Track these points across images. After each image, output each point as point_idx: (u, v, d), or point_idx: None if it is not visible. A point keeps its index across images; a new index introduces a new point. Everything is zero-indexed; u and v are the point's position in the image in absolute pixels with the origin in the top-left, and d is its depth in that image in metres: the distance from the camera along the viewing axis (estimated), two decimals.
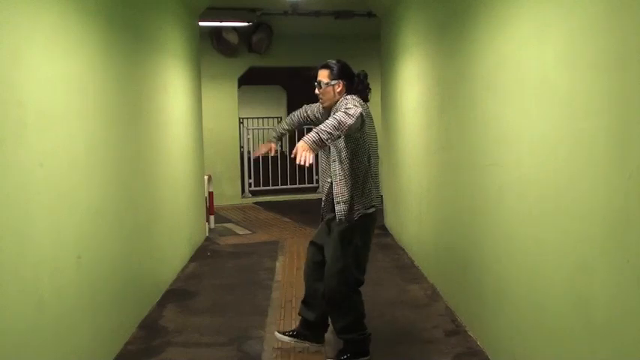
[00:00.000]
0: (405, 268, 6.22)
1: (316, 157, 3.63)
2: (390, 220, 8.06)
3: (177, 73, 6.43)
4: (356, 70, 3.91)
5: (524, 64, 3.16)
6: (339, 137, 3.42)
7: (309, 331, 4.04)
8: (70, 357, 3.21)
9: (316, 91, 3.86)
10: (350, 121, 3.37)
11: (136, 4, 4.92)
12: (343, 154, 3.68)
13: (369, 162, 3.74)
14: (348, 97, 3.73)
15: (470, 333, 4.25)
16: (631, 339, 2.22)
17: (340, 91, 3.78)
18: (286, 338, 4.05)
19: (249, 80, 11.69)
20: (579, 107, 2.56)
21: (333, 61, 3.84)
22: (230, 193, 11.11)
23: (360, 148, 3.70)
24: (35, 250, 2.81)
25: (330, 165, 3.78)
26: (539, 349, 3.06)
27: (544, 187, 2.93)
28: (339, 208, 3.70)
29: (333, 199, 3.75)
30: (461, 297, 4.58)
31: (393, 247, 7.21)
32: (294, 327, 4.21)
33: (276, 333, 4.13)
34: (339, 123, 3.35)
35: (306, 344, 4.05)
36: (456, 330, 4.36)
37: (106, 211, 3.88)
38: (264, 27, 10.57)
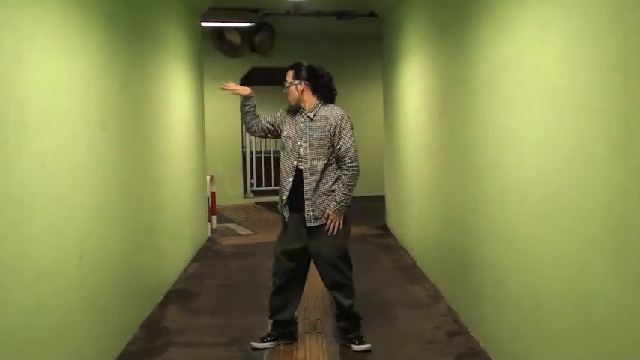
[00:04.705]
0: (407, 268, 6.21)
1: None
2: (392, 221, 8.06)
3: (179, 73, 6.44)
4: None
5: (525, 65, 3.16)
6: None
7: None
8: (72, 357, 3.22)
9: (284, 89, 4.12)
10: (355, 180, 3.96)
11: (138, 4, 4.92)
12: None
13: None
14: (339, 113, 3.99)
15: (472, 333, 4.24)
16: (631, 339, 2.22)
17: (303, 90, 4.03)
18: (266, 344, 4.15)
19: (251, 81, 11.69)
20: (580, 108, 2.56)
21: (302, 63, 4.11)
22: (232, 193, 11.11)
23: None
24: (36, 250, 2.82)
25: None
26: (540, 350, 3.06)
27: (545, 188, 2.93)
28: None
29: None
30: (463, 297, 4.57)
31: (395, 248, 7.21)
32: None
33: (252, 343, 4.16)
34: (351, 186, 3.95)
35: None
36: (458, 330, 4.36)
37: (108, 211, 3.89)
38: (266, 27, 10.58)
